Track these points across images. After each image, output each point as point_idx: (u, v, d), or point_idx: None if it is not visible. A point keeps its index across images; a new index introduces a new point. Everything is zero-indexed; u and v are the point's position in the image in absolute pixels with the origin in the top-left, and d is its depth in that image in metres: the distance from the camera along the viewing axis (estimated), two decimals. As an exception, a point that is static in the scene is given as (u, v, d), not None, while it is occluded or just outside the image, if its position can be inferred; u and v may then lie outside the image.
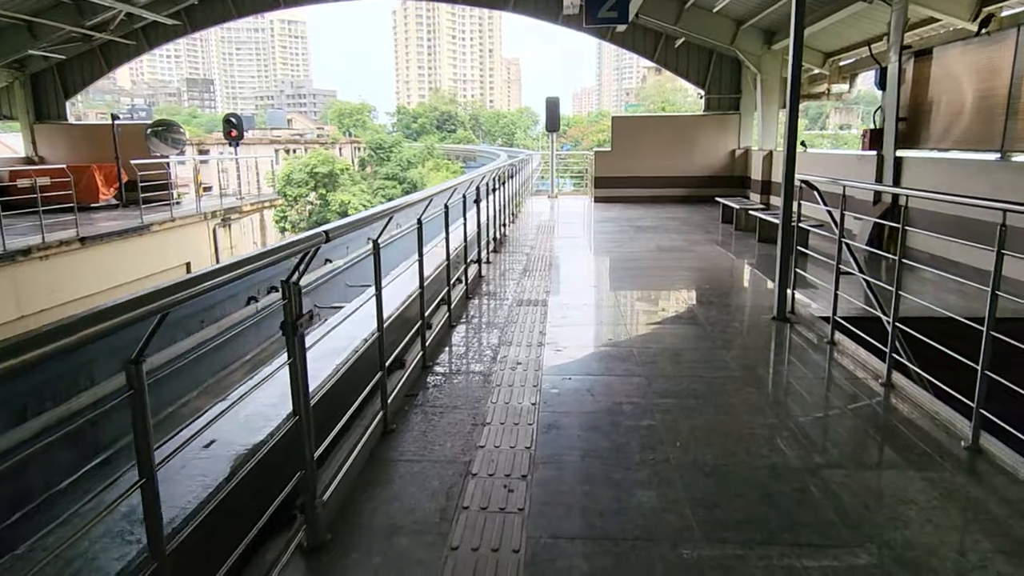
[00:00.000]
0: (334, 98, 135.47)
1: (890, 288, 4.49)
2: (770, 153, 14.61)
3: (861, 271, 5.40)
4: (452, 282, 6.47)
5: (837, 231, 5.72)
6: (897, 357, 4.55)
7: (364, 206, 43.35)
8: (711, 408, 4.18)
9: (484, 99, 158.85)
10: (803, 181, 5.96)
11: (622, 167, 16.89)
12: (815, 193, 6.08)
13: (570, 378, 4.70)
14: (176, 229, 14.99)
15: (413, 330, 4.88)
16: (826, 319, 5.73)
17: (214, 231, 16.52)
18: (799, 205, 6.04)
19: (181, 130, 17.66)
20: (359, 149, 60.01)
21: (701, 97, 17.10)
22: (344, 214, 42.53)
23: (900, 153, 9.16)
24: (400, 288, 5.62)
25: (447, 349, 5.36)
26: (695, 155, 16.72)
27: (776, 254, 9.28)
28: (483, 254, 8.67)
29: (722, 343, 5.41)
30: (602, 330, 5.82)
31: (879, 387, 4.54)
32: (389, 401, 3.96)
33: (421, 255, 4.80)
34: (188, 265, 15.55)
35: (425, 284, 5.22)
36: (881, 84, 9.41)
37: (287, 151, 52.99)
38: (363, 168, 58.04)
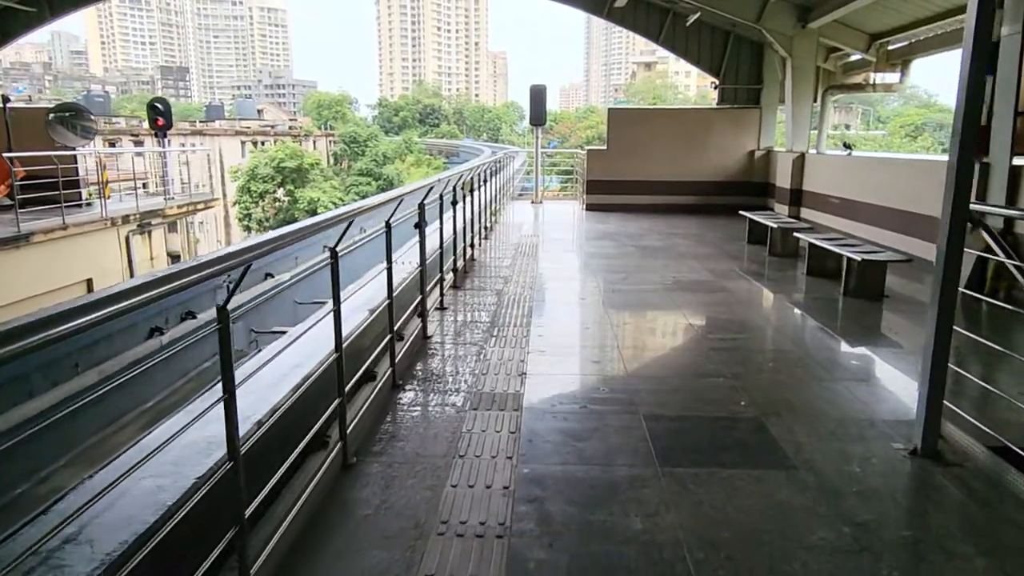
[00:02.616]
0: (314, 89, 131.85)
1: None
2: (802, 156, 12.05)
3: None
4: (364, 369, 3.81)
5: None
6: None
7: (335, 204, 40.36)
8: None
9: (469, 93, 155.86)
10: (977, 213, 3.35)
11: (619, 169, 14.26)
12: (983, 234, 3.49)
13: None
14: (71, 239, 12.12)
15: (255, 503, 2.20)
16: (1009, 455, 3.15)
17: (127, 240, 13.65)
18: (966, 250, 3.40)
19: (92, 116, 14.74)
20: (333, 142, 56.80)
21: (714, 87, 14.50)
22: (313, 213, 39.58)
23: (1018, 161, 6.61)
24: (265, 385, 2.90)
25: (329, 530, 2.66)
26: (706, 156, 14.13)
27: (838, 294, 6.64)
28: (431, 301, 6.00)
29: (845, 527, 2.77)
30: (617, 482, 3.15)
31: None
32: None
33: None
34: (89, 282, 12.70)
35: (308, 381, 2.68)
36: (989, 66, 6.83)
37: (254, 143, 49.68)
38: (337, 163, 54.91)
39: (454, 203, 6.91)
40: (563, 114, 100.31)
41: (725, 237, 10.92)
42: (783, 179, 12.46)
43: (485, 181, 10.30)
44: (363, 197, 42.13)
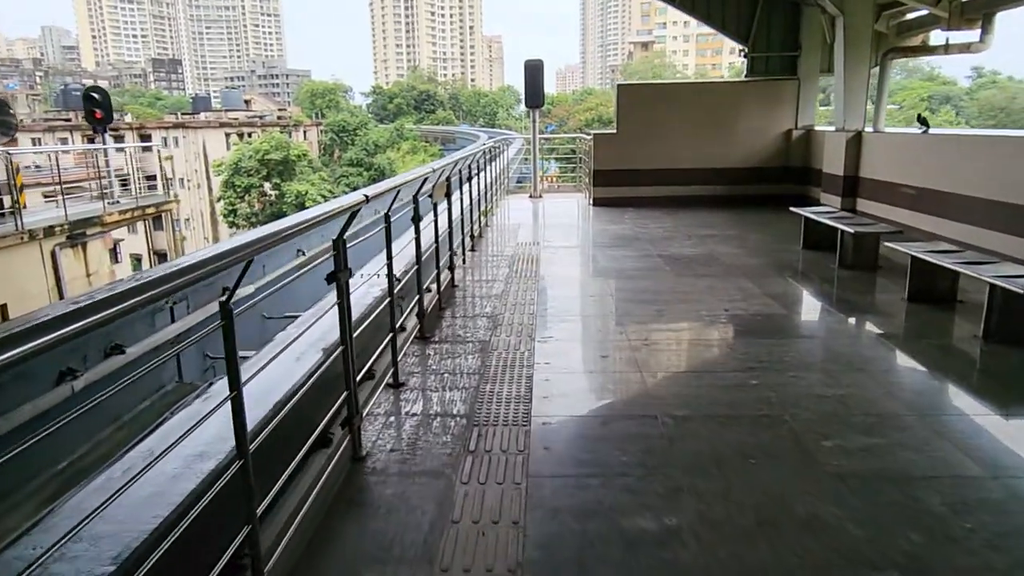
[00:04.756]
0: (308, 78, 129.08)
1: None
2: (858, 136, 9.85)
3: None
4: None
5: None
6: None
7: (324, 197, 38.19)
8: None
9: (465, 78, 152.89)
10: None
11: (632, 156, 12.07)
12: None
13: None
14: (-27, 258, 10.04)
15: None
16: None
17: (53, 255, 11.54)
18: None
19: (11, 111, 12.56)
20: (323, 132, 54.37)
21: (743, 55, 12.26)
22: (302, 207, 37.39)
23: None
24: None
25: None
26: (735, 138, 11.92)
27: (972, 335, 4.37)
28: (369, 388, 3.90)
29: None
30: None
31: None
32: None
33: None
34: (3, 309, 10.62)
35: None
36: None
37: (240, 135, 47.28)
38: (327, 154, 52.55)
39: (417, 220, 4.78)
40: (560, 96, 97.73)
41: (772, 240, 8.78)
42: (832, 164, 10.26)
43: (470, 178, 8.17)
44: (354, 188, 39.84)
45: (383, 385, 4.08)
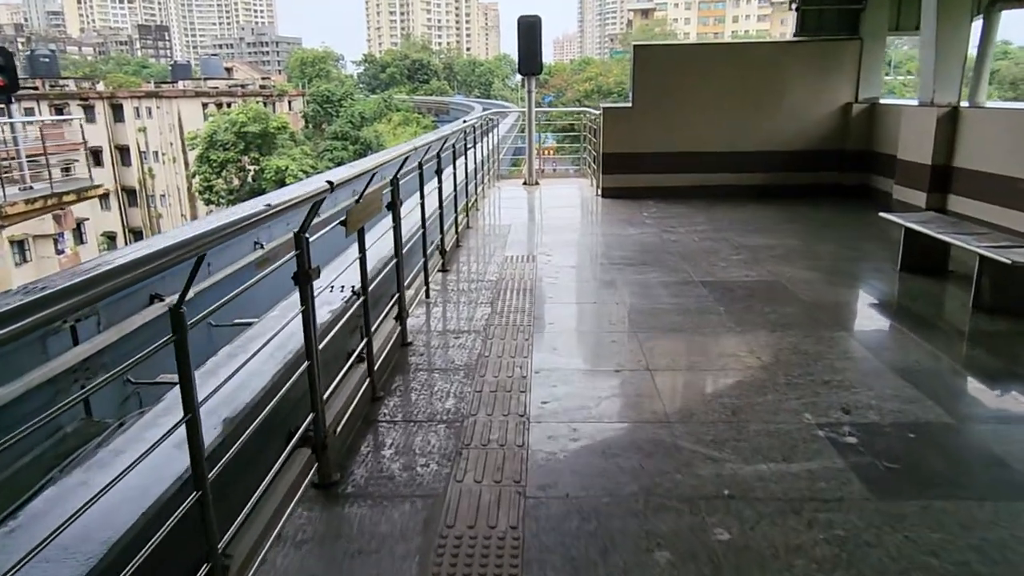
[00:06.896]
0: (299, 46, 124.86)
1: None
2: (953, 112, 7.51)
3: None
4: None
5: None
6: None
7: (305, 173, 35.61)
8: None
9: (460, 47, 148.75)
10: None
11: (651, 137, 9.72)
12: None
13: None
14: None
15: None
16: None
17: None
18: None
19: None
20: (308, 102, 51.38)
21: (793, 7, 9.84)
22: (282, 183, 34.85)
23: None
24: None
25: None
26: (779, 114, 9.57)
27: None
28: None
29: None
30: None
31: None
32: None
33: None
34: None
35: None
36: None
37: (219, 105, 44.32)
38: (315, 125, 49.65)
39: (305, 278, 2.51)
40: (558, 65, 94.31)
41: (850, 253, 6.51)
42: (915, 148, 7.94)
43: (439, 171, 5.86)
44: (339, 163, 37.26)
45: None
